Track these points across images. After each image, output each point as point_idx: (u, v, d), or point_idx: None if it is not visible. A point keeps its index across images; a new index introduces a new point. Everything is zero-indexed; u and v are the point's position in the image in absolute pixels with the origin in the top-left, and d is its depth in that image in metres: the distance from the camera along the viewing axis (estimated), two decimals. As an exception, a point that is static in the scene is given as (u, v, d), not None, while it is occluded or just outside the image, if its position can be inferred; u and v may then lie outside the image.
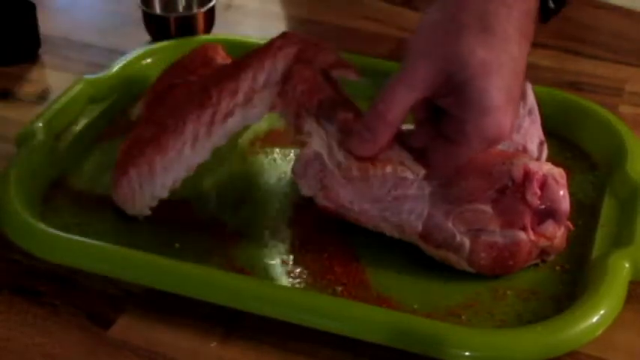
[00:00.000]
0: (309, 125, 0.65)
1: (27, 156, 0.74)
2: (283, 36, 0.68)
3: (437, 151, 0.64)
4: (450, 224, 0.65)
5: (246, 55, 0.68)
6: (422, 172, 0.64)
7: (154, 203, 0.70)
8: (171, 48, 0.91)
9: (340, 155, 0.64)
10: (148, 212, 0.71)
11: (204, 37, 0.96)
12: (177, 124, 0.68)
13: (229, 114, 0.67)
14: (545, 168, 0.66)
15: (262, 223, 0.72)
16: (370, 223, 0.69)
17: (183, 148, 0.68)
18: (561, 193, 0.65)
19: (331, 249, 0.69)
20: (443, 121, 0.63)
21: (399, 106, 0.62)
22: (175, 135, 0.68)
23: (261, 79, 0.67)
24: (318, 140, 0.65)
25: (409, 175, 0.63)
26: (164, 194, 0.70)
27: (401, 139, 0.65)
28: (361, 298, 0.64)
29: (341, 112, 0.64)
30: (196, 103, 0.68)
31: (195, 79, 0.72)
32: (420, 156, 0.64)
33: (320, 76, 0.66)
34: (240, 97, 0.67)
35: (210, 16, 0.99)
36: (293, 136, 0.68)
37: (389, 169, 0.63)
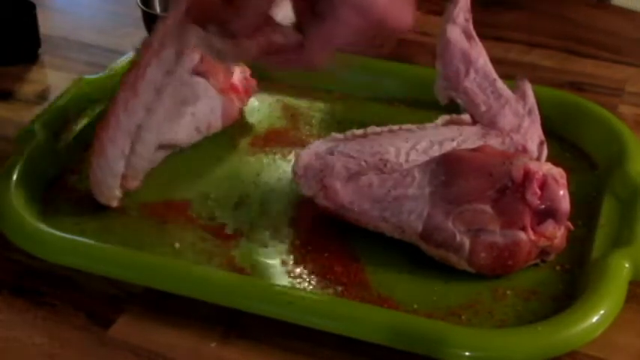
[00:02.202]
0: (191, 35, 0.65)
1: (27, 156, 0.74)
2: None
3: (311, 32, 0.59)
4: (450, 224, 0.65)
5: None
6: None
7: (117, 183, 0.70)
8: (171, 48, 0.91)
9: (218, 43, 0.63)
10: (119, 195, 0.71)
11: (204, 37, 0.96)
12: (114, 97, 0.69)
13: (146, 65, 0.68)
14: (545, 168, 0.66)
15: (262, 223, 0.72)
16: (370, 223, 0.69)
17: (119, 115, 0.69)
18: (561, 193, 0.65)
19: (331, 249, 0.69)
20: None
21: None
22: (112, 107, 0.69)
23: (170, 20, 0.67)
24: (198, 41, 0.64)
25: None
26: (120, 168, 0.70)
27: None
28: (361, 298, 0.64)
29: (221, 15, 0.62)
30: (127, 71, 0.69)
31: None
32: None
33: None
34: (154, 45, 0.68)
35: (210, 16, 0.99)
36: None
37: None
